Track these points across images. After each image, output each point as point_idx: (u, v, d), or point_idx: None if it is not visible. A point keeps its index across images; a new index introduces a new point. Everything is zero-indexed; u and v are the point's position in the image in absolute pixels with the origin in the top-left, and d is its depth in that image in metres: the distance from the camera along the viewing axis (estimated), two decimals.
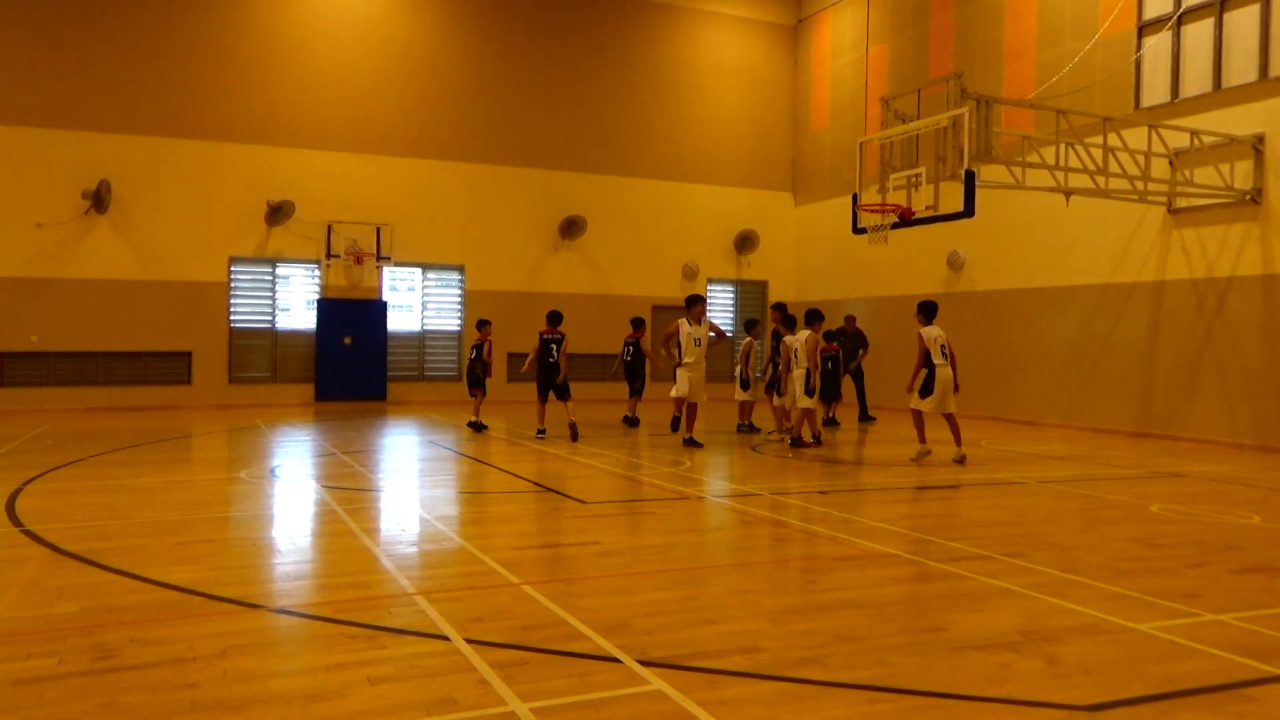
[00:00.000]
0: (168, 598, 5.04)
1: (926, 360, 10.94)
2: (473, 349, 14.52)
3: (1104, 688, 3.85)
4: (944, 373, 10.92)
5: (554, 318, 13.54)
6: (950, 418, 11.14)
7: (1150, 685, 3.89)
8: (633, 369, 15.37)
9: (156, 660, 4.05)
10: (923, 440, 11.10)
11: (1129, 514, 7.95)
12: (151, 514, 7.45)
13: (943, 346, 10.97)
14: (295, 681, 3.85)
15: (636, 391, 15.48)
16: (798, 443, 12.32)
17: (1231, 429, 13.50)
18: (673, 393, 12.70)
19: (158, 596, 5.06)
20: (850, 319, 17.35)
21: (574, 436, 12.88)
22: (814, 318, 12.85)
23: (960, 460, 10.93)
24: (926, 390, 10.93)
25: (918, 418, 11.14)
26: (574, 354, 20.86)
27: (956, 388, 11.12)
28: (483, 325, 14.57)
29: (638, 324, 15.65)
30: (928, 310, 11.16)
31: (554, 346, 13.21)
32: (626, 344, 15.42)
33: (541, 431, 13.27)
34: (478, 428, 14.13)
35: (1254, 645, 4.41)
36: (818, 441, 12.55)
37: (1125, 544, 6.73)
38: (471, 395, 14.49)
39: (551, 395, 13.35)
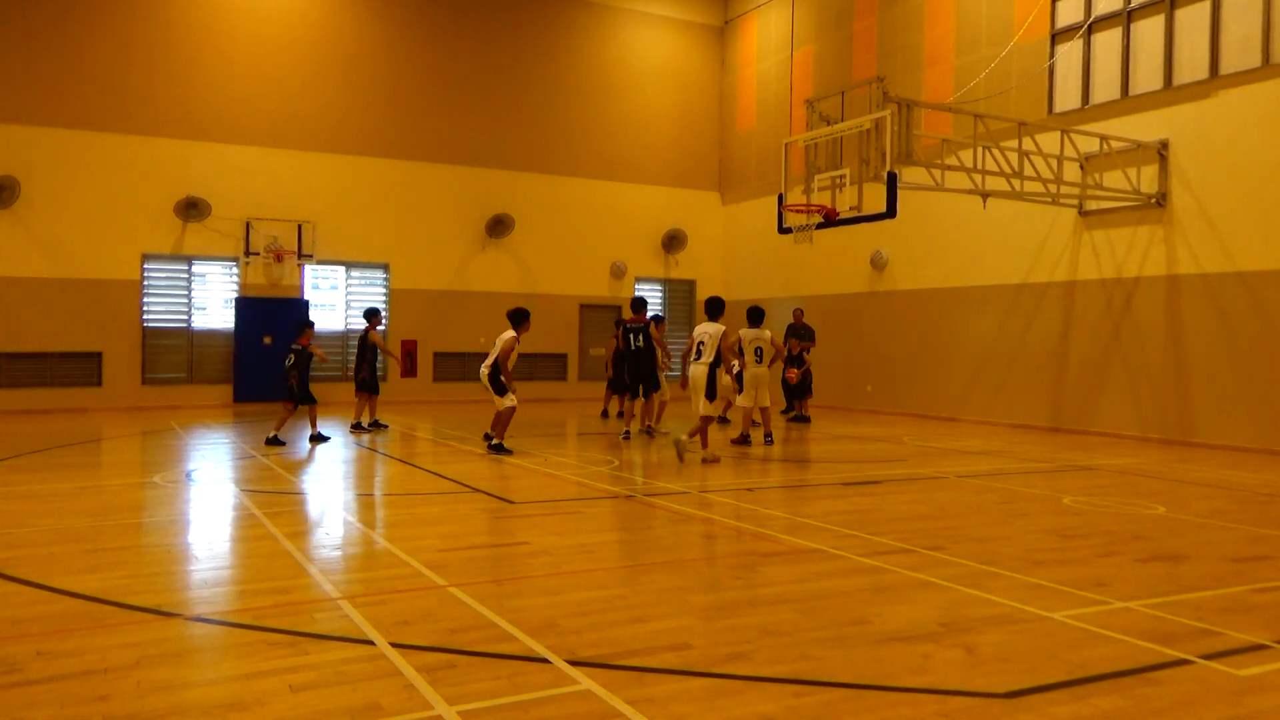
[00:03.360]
0: (77, 608, 4.85)
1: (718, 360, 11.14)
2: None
3: (1020, 675, 3.97)
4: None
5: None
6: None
7: (1063, 671, 4.02)
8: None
9: (65, 673, 3.89)
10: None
11: (1043, 506, 8.22)
12: (59, 521, 7.16)
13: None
14: (213, 691, 3.74)
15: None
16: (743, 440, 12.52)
17: (1138, 423, 14.05)
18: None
19: (66, 607, 4.87)
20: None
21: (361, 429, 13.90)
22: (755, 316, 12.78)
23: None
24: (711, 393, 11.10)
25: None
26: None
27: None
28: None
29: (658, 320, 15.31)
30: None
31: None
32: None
33: (368, 424, 14.08)
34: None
35: (1159, 630, 4.60)
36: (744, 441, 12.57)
37: (1040, 535, 6.95)
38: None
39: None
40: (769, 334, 12.65)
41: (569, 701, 3.64)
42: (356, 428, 13.96)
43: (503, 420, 11.61)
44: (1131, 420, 14.15)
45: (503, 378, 11.41)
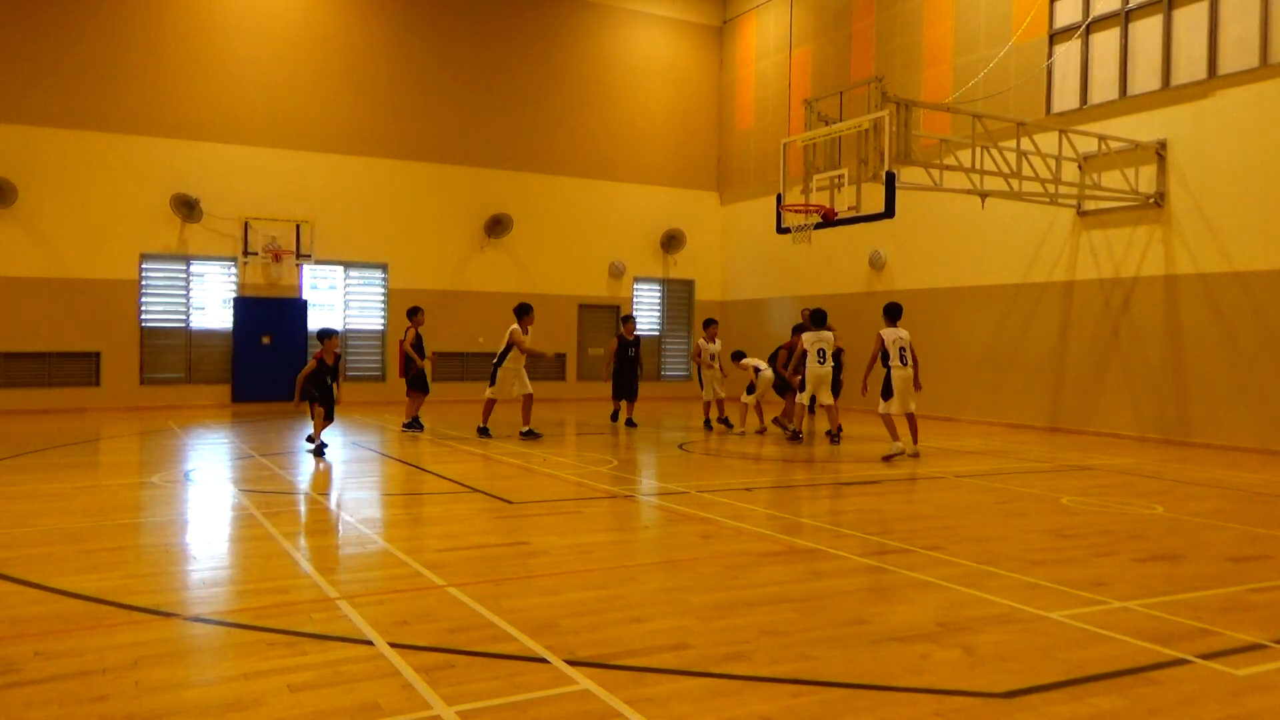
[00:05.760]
0: (75, 608, 4.84)
1: (885, 362, 11.28)
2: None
3: (1019, 675, 3.97)
4: (901, 374, 11.20)
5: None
6: (911, 417, 11.49)
7: (1062, 671, 4.02)
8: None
9: (63, 673, 3.89)
10: (896, 438, 11.28)
11: (1041, 506, 8.22)
12: (57, 521, 7.16)
13: (902, 349, 11.26)
14: (212, 691, 3.74)
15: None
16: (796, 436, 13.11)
17: (1136, 423, 14.06)
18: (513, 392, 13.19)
19: (64, 607, 4.86)
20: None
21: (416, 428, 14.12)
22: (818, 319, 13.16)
23: (913, 455, 11.33)
24: (887, 393, 11.21)
25: (887, 420, 11.37)
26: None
27: (918, 386, 11.55)
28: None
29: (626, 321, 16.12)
30: (892, 312, 11.52)
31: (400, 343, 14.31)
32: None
33: (410, 425, 14.18)
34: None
35: (1157, 630, 4.61)
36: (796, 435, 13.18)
37: (1038, 535, 6.96)
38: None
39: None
40: (831, 335, 12.83)
41: (568, 701, 3.64)
42: (411, 425, 14.13)
43: (488, 410, 13.44)
44: (1129, 420, 14.15)
45: (500, 370, 13.13)
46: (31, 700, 3.61)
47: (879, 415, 11.46)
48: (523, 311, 13.35)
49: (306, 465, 10.64)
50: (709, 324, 15.19)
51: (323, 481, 9.55)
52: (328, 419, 11.53)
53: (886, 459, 11.09)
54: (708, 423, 14.80)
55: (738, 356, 14.54)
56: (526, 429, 13.13)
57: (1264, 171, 12.55)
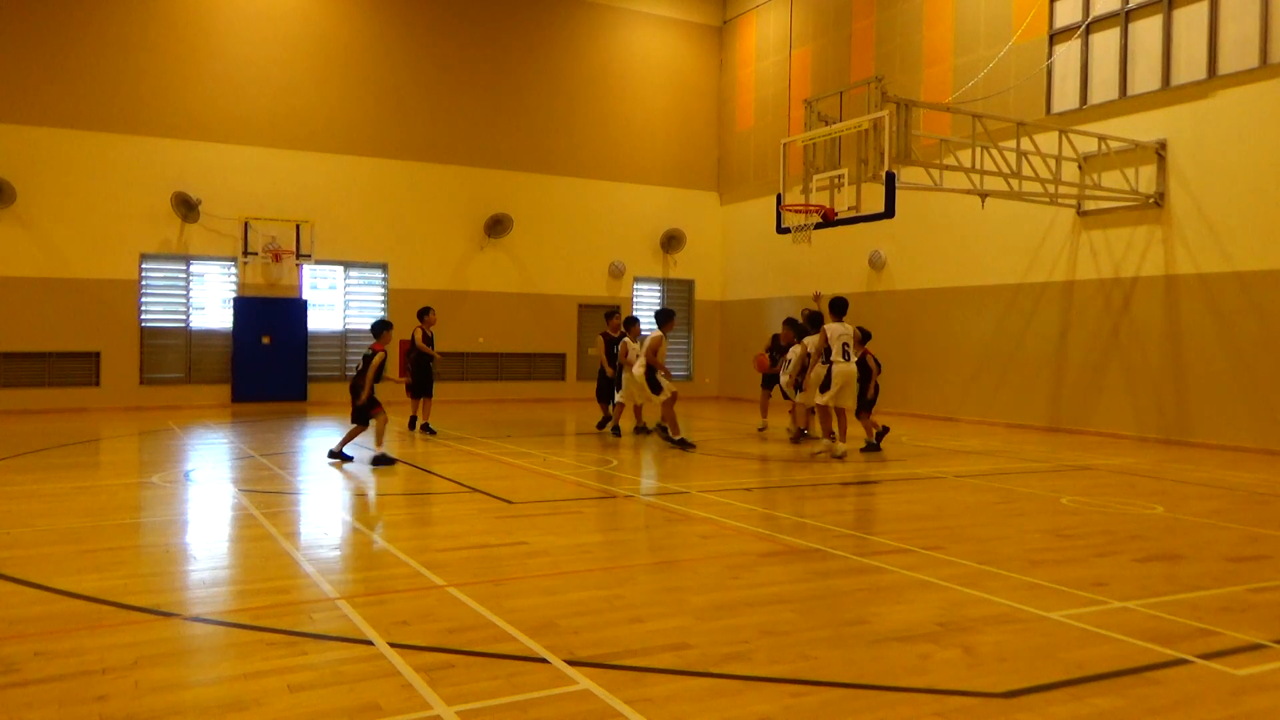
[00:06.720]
0: (75, 608, 4.84)
1: (827, 357, 11.32)
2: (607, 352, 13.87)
3: (1018, 675, 3.98)
4: (842, 369, 11.20)
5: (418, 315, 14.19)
6: (842, 413, 11.46)
7: (1062, 671, 4.02)
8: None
9: (63, 673, 3.89)
10: (833, 436, 11.34)
11: (1041, 506, 8.22)
12: (56, 521, 7.16)
13: (845, 345, 11.28)
14: (211, 691, 3.74)
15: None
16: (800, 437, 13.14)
17: (1135, 423, 14.06)
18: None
19: (64, 607, 4.87)
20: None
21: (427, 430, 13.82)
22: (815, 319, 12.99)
23: (840, 456, 11.20)
24: (826, 385, 11.28)
25: (823, 412, 11.50)
26: (503, 353, 21.00)
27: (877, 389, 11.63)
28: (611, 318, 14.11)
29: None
30: (838, 307, 11.54)
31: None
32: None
33: (414, 424, 14.05)
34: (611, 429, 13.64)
35: (1157, 630, 4.61)
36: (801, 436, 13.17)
37: (1038, 535, 6.96)
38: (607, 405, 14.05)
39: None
40: (815, 340, 12.90)
41: (567, 701, 3.64)
42: (421, 428, 14.00)
43: (669, 415, 12.26)
44: (1129, 420, 14.15)
45: (659, 375, 12.24)
46: (31, 700, 3.61)
47: (814, 406, 11.63)
48: (666, 318, 12.80)
49: (306, 465, 10.64)
50: (631, 322, 13.42)
51: (323, 482, 9.55)
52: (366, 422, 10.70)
53: (815, 455, 11.35)
54: (615, 428, 13.54)
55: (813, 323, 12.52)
56: (666, 429, 12.89)
57: (1264, 171, 12.55)
